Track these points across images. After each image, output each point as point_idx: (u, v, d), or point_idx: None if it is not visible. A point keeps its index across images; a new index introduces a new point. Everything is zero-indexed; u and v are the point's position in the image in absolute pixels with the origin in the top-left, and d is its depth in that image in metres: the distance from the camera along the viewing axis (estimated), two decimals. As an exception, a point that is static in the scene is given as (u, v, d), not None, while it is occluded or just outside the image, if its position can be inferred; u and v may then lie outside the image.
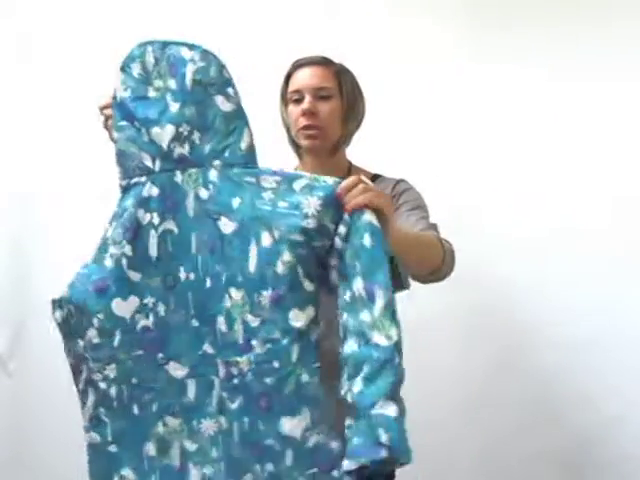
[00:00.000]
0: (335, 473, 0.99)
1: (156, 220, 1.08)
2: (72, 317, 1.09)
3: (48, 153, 2.02)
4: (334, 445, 1.00)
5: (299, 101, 1.34)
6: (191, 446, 1.08)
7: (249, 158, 1.06)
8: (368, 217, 0.98)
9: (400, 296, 1.11)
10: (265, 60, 1.77)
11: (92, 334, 1.07)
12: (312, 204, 0.99)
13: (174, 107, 1.07)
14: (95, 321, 1.07)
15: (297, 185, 1.02)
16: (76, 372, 1.12)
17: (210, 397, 1.06)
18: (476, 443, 1.80)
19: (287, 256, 1.00)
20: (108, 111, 1.13)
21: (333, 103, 1.34)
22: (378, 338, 0.94)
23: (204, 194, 1.07)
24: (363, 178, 1.03)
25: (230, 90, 1.06)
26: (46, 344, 1.99)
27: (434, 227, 1.32)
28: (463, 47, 1.86)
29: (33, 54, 2.02)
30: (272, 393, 1.01)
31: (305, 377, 1.01)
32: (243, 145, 1.06)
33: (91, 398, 1.10)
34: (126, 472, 1.09)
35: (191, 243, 1.07)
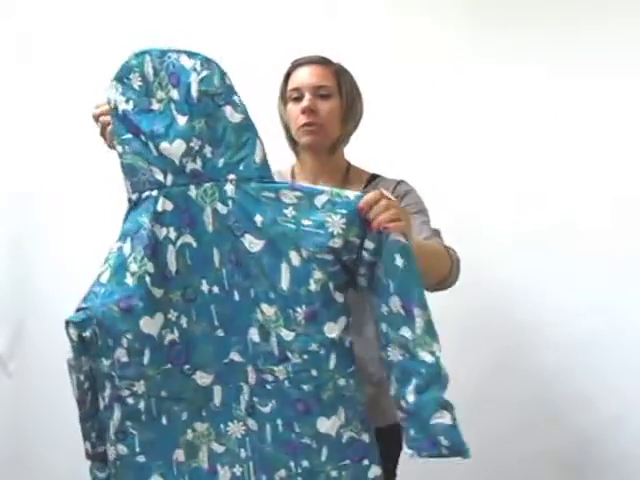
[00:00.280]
0: (365, 462, 1.07)
1: (173, 235, 1.08)
2: (97, 338, 1.07)
3: (48, 153, 2.02)
4: (364, 437, 1.07)
5: (298, 99, 1.34)
6: (219, 448, 1.10)
7: (264, 171, 1.06)
8: (396, 236, 1.01)
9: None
10: (264, 59, 1.77)
11: (121, 354, 1.06)
12: (337, 223, 1.02)
13: (181, 120, 1.06)
14: (124, 341, 1.06)
15: (318, 201, 1.04)
16: (94, 389, 1.10)
17: (238, 402, 1.09)
18: (476, 443, 1.79)
19: (318, 274, 1.03)
20: (105, 118, 1.10)
21: (332, 102, 1.34)
22: (423, 355, 1.01)
23: (223, 209, 1.07)
24: (385, 192, 1.04)
25: (236, 98, 1.06)
26: (46, 344, 2.00)
27: (438, 234, 1.32)
28: (462, 47, 1.86)
29: (33, 54, 2.02)
30: (310, 399, 1.06)
31: (342, 381, 1.06)
32: (257, 158, 1.06)
33: (117, 414, 1.09)
34: (155, 479, 1.10)
35: (213, 257, 1.08)
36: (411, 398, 1.02)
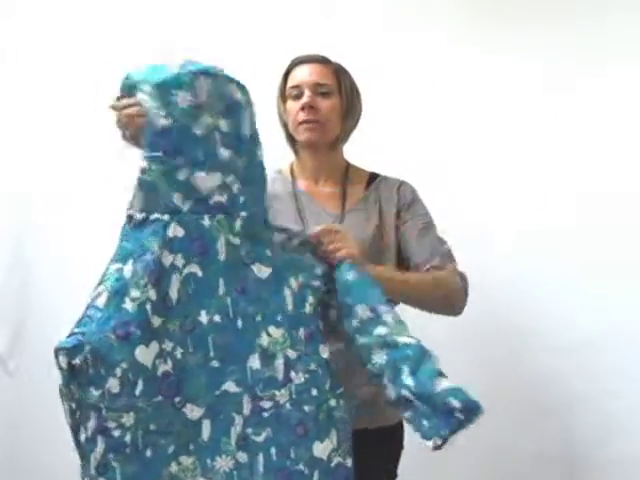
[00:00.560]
0: None
1: (180, 262, 1.05)
2: (89, 366, 0.99)
3: (48, 153, 2.02)
4: (348, 462, 1.11)
5: (298, 97, 1.34)
6: None
7: (266, 215, 1.11)
8: (343, 261, 1.13)
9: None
10: (262, 59, 1.77)
11: (112, 384, 1.00)
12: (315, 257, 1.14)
13: (224, 153, 1.05)
14: (118, 371, 1.00)
15: (296, 241, 1.13)
16: (78, 421, 1.02)
17: (228, 435, 1.07)
18: (476, 444, 1.80)
19: (311, 299, 1.12)
20: (140, 120, 1.02)
21: (332, 100, 1.35)
22: (404, 340, 1.06)
23: (235, 240, 1.08)
24: (326, 227, 1.16)
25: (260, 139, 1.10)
26: (46, 344, 1.99)
27: (449, 256, 1.33)
28: (461, 45, 1.86)
29: (33, 54, 2.02)
30: (310, 421, 1.09)
31: (333, 402, 1.11)
32: (265, 199, 1.12)
33: (100, 447, 1.01)
34: None
35: (218, 287, 1.07)
36: (409, 382, 1.04)
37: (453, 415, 1.01)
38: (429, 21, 1.88)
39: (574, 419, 1.79)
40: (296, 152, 1.41)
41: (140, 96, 1.03)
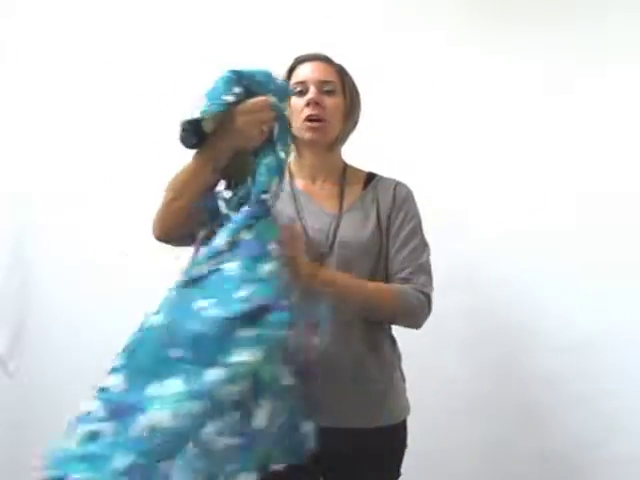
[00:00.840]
0: None
1: None
2: None
3: (48, 153, 2.02)
4: None
5: (303, 93, 1.34)
6: None
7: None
8: None
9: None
10: (262, 59, 1.76)
11: None
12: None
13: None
14: None
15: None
16: None
17: None
18: (475, 444, 1.80)
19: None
20: (272, 114, 1.11)
21: (336, 99, 1.35)
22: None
23: None
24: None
25: None
26: (46, 344, 2.00)
27: (422, 269, 1.31)
28: (460, 45, 1.86)
29: (33, 54, 2.02)
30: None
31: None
32: None
33: None
34: None
35: None
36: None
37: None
38: (429, 21, 1.89)
39: (574, 419, 1.79)
40: (297, 149, 1.41)
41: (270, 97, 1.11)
